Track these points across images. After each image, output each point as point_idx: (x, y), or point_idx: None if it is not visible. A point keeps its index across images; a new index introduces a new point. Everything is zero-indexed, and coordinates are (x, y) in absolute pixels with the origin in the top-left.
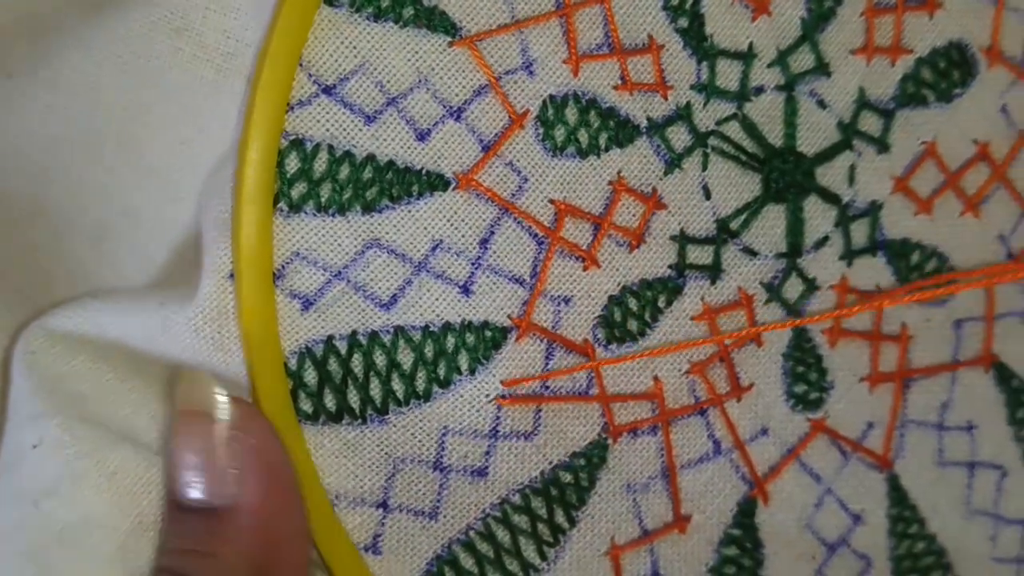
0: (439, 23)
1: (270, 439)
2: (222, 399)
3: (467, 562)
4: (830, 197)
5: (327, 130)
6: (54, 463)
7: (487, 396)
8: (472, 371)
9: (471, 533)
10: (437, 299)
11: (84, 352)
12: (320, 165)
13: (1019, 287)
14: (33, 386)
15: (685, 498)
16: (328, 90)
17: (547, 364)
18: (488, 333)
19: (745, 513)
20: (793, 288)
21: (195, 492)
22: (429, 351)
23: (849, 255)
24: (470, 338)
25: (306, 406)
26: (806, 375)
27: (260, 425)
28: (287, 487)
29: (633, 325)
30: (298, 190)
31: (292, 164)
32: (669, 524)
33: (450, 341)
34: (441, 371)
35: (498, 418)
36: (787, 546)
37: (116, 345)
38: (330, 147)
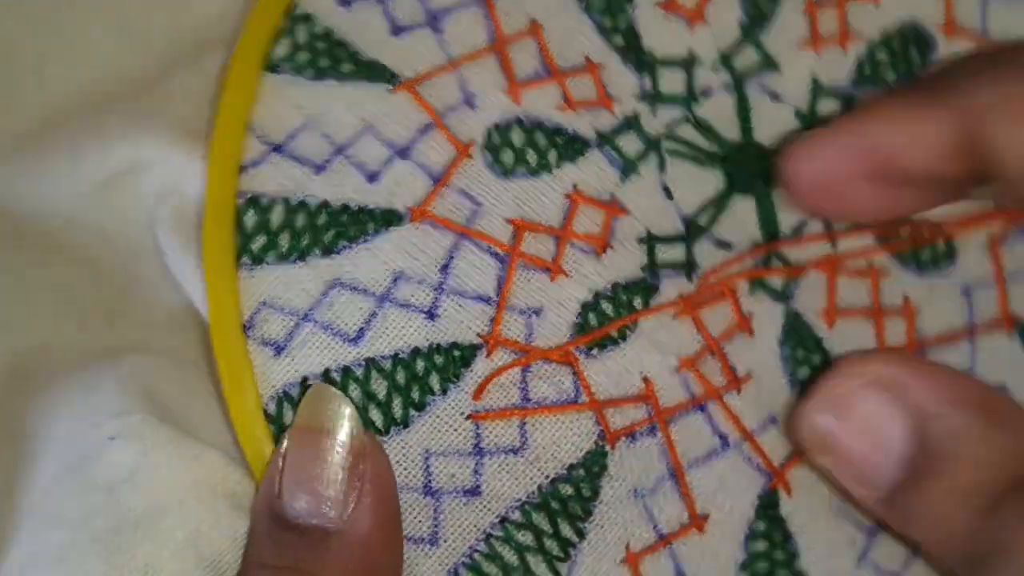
0: (378, 74)
1: (388, 471)
2: (352, 422)
3: None
4: None
5: (280, 184)
6: (131, 453)
7: (462, 414)
8: (444, 391)
9: (476, 556)
10: (403, 327)
11: (165, 361)
12: (277, 217)
13: None
14: (113, 386)
15: (699, 496)
16: (278, 148)
17: (525, 377)
18: (457, 353)
19: (768, 506)
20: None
21: (302, 511)
22: (401, 378)
23: (832, 236)
24: (439, 359)
25: None
26: (808, 359)
27: (380, 455)
28: (394, 522)
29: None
30: (258, 243)
31: (250, 220)
32: (686, 525)
33: (420, 365)
34: (415, 395)
35: (479, 435)
36: (820, 535)
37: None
38: (285, 199)
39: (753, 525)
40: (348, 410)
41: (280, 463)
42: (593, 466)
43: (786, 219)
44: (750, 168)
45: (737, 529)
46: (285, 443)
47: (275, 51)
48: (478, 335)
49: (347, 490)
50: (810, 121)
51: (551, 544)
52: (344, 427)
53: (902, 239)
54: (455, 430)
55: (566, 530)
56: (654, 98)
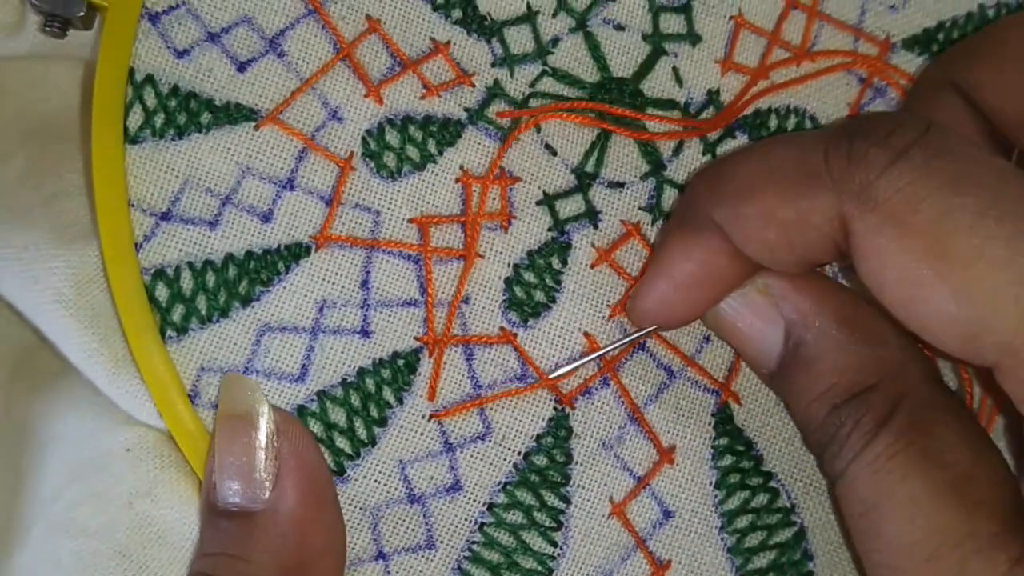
0: (237, 114)
1: (308, 446)
2: (263, 405)
3: (482, 575)
4: (666, 104)
5: (180, 250)
6: (147, 467)
7: (423, 417)
8: (400, 400)
9: (474, 547)
10: (343, 352)
11: None
12: (187, 283)
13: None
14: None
15: (661, 431)
16: (165, 216)
17: (471, 365)
18: (401, 361)
19: (724, 420)
20: (672, 200)
21: (233, 496)
22: (356, 400)
23: (710, 148)
24: (386, 372)
25: None
26: None
27: (298, 431)
28: (323, 495)
29: (539, 296)
30: (177, 313)
31: (162, 293)
32: (657, 462)
33: (370, 383)
34: (374, 412)
35: (444, 433)
36: (777, 432)
37: None
38: (189, 264)
39: (716, 443)
40: (259, 393)
41: (213, 456)
42: (559, 431)
43: (664, 143)
44: (617, 103)
45: (703, 451)
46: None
47: (130, 122)
48: (416, 339)
49: (268, 470)
50: (658, 41)
51: (541, 517)
52: (260, 409)
53: (774, 130)
54: (421, 434)
55: (552, 499)
56: (508, 61)
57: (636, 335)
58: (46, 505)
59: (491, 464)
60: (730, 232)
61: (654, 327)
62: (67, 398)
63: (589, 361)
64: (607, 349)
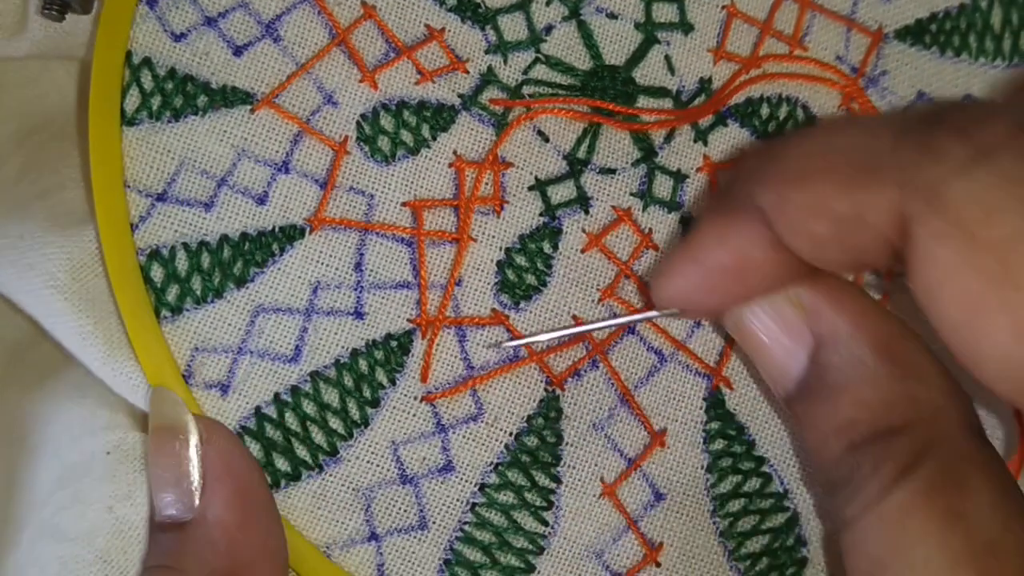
0: (233, 98)
1: (235, 451)
2: (188, 415)
3: (474, 555)
4: (658, 92)
5: (175, 231)
6: (127, 469)
7: (415, 398)
8: (393, 382)
9: (466, 527)
10: (336, 333)
11: None
12: (182, 264)
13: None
14: (104, 393)
15: (652, 414)
16: (161, 197)
17: (464, 347)
18: (394, 343)
19: (715, 405)
20: (663, 186)
21: (168, 508)
22: (349, 381)
23: (701, 136)
24: (379, 354)
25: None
26: None
27: (225, 438)
28: (253, 499)
29: (531, 279)
30: (172, 294)
31: (157, 274)
32: (648, 444)
33: (363, 364)
34: (367, 393)
35: (437, 414)
36: (772, 417)
37: None
38: (184, 245)
39: (707, 427)
40: (183, 405)
41: (148, 471)
42: (550, 412)
43: (655, 131)
44: (609, 91)
45: (695, 435)
46: None
47: (127, 104)
48: (409, 320)
49: (197, 479)
50: (650, 29)
51: (532, 497)
52: (185, 419)
53: (766, 119)
54: (414, 415)
55: (542, 479)
56: (501, 48)
57: (636, 318)
58: (37, 509)
59: (483, 444)
60: (774, 220)
61: (668, 312)
62: (58, 401)
63: (583, 332)
64: (606, 324)
